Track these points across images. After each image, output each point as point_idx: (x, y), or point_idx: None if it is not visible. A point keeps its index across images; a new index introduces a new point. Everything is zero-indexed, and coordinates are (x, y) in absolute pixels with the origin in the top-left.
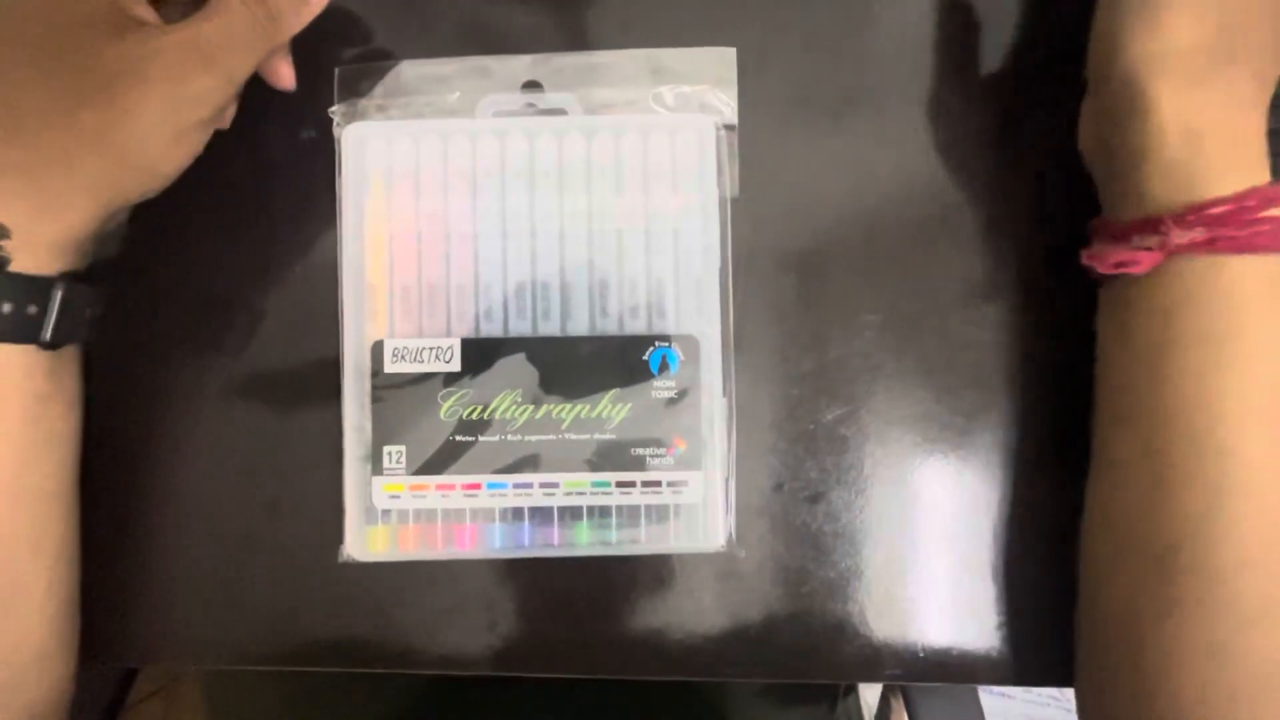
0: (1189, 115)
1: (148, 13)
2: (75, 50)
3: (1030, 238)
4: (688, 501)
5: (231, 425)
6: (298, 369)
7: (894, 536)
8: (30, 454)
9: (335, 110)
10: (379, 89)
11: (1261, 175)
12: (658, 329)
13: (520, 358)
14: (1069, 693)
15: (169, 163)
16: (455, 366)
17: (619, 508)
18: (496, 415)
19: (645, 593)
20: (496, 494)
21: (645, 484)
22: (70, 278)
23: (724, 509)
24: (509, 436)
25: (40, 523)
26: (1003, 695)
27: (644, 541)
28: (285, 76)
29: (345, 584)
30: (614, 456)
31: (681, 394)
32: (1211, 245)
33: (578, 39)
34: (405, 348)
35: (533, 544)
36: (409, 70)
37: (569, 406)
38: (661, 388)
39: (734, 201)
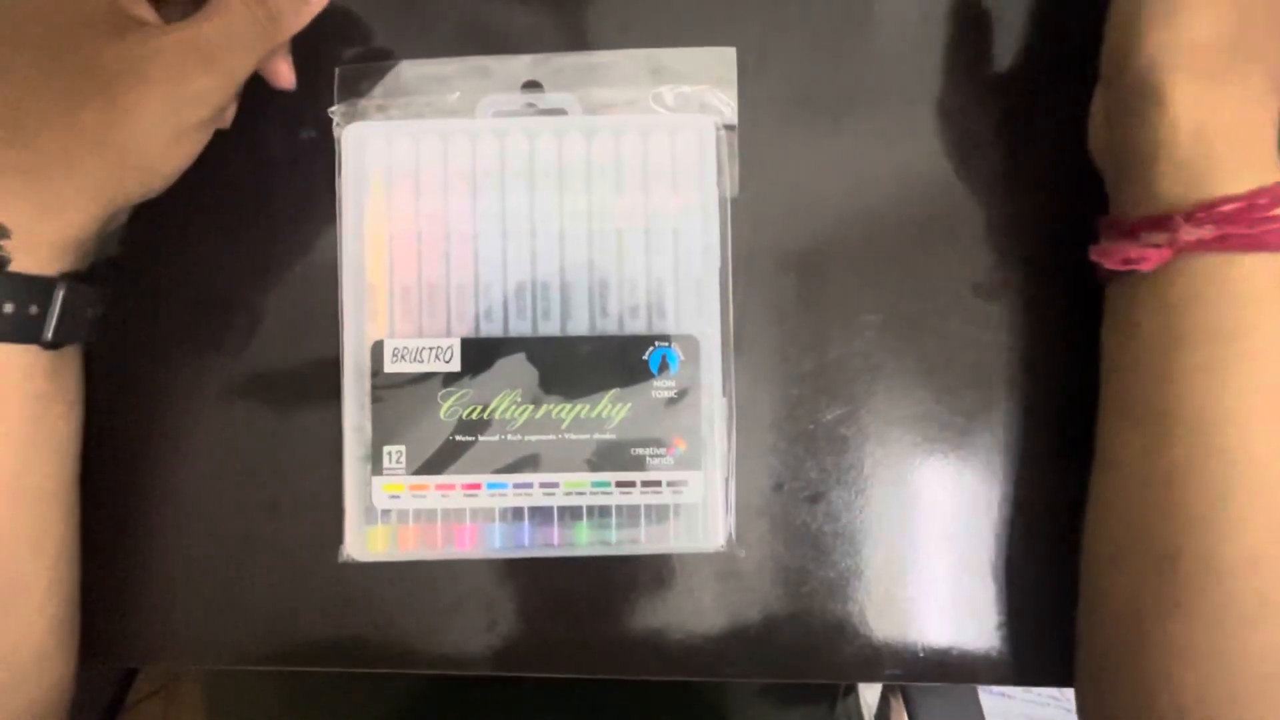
0: (1203, 111)
1: (148, 13)
2: (75, 50)
3: (1030, 238)
4: (688, 501)
5: (231, 425)
6: (298, 369)
7: (894, 536)
8: (30, 454)
9: (335, 110)
10: (379, 89)
11: (1273, 174)
12: (658, 329)
13: (520, 358)
14: (1069, 693)
15: (169, 162)
16: (455, 366)
17: (619, 508)
18: (496, 415)
19: (645, 593)
20: (496, 494)
21: (645, 484)
22: (71, 278)
23: (724, 509)
24: (509, 436)
25: (40, 523)
26: (1003, 695)
27: (644, 541)
28: (285, 76)
29: (345, 584)
30: (614, 456)
31: (681, 394)
32: (1221, 243)
33: (578, 39)
34: (405, 348)
35: (533, 544)
36: (409, 70)
37: (569, 406)
38: (661, 388)
39: (734, 201)
